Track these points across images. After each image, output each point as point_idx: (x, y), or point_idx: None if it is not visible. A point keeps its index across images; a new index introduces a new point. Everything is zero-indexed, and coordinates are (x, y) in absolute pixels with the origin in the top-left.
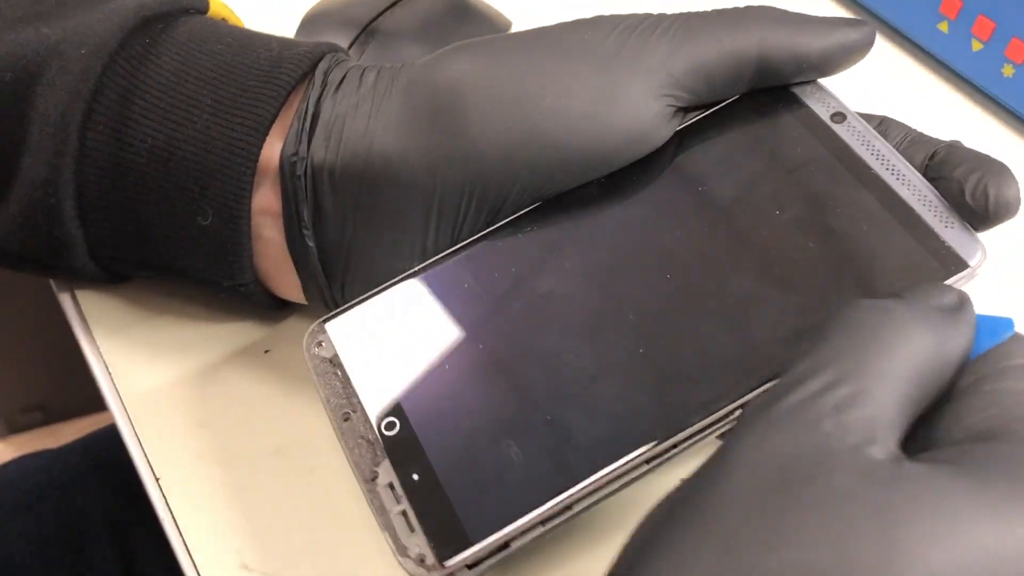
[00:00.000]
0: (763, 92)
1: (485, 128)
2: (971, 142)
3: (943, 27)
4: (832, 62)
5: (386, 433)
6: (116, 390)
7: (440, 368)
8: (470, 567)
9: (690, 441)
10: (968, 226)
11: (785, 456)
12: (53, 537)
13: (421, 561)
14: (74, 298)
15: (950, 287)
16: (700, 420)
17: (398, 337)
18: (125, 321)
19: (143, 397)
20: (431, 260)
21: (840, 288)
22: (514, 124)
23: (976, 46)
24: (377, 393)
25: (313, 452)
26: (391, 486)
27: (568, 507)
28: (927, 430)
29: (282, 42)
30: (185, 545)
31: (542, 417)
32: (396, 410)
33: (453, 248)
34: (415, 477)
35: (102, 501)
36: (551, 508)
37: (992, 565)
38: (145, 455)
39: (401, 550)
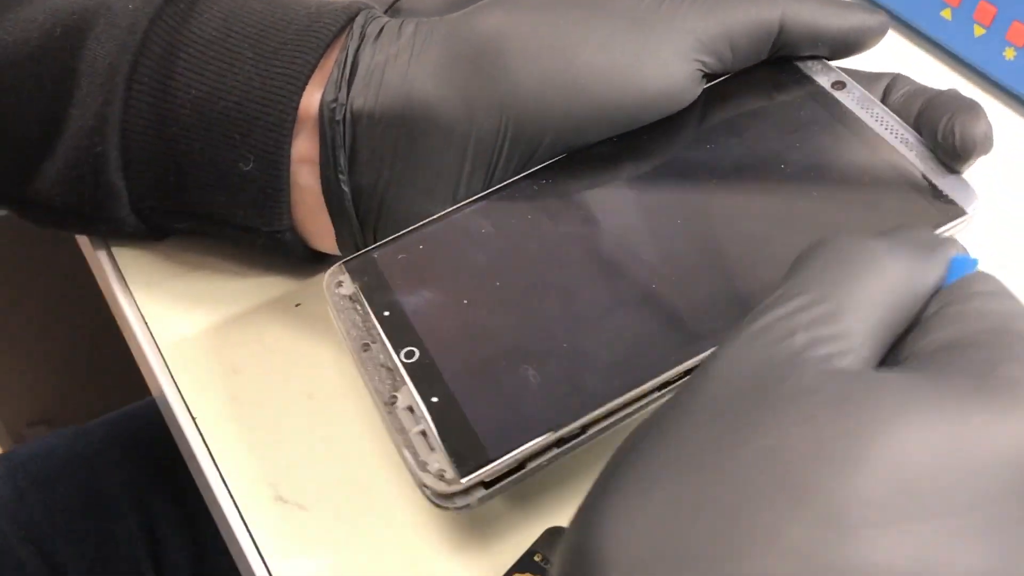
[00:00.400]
0: (771, 64)
1: (524, 75)
2: None
3: (946, 14)
4: (846, 42)
5: (405, 361)
6: (152, 338)
7: (459, 302)
8: (487, 486)
9: None
10: (961, 176)
11: (758, 364)
12: (77, 508)
13: (441, 476)
14: (110, 254)
15: (928, 228)
16: (709, 349)
17: (418, 275)
18: (160, 275)
19: (178, 346)
20: (453, 207)
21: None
22: (552, 73)
23: (978, 31)
24: (396, 325)
25: (343, 397)
26: (410, 408)
27: (584, 429)
28: (896, 354)
29: (319, 2)
30: (223, 479)
31: (559, 345)
32: (415, 339)
33: (479, 195)
34: (434, 400)
35: (125, 474)
36: (568, 429)
37: (952, 450)
38: (182, 397)
39: (421, 466)
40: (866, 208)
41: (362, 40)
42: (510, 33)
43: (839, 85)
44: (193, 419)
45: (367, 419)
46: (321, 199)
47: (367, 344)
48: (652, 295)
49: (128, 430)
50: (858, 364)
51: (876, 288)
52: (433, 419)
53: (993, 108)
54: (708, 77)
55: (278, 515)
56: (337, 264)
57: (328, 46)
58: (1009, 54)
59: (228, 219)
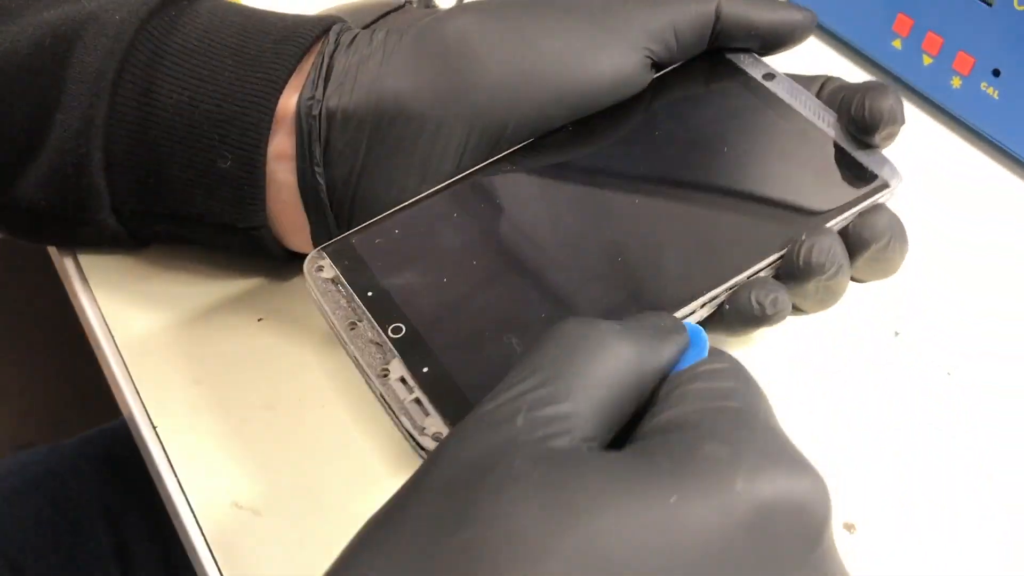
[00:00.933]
0: (709, 59)
1: (489, 65)
2: (925, 150)
3: (896, 44)
4: (776, 35)
5: (393, 336)
6: (117, 348)
7: (439, 280)
8: None
9: None
10: (882, 153)
11: (477, 451)
12: (48, 522)
13: (438, 439)
14: (77, 263)
15: (670, 315)
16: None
17: (396, 257)
18: (126, 287)
19: (142, 356)
20: (425, 193)
21: (781, 204)
22: (515, 62)
23: (927, 60)
24: (380, 304)
25: (302, 408)
26: (403, 380)
27: None
28: (629, 435)
29: (295, 16)
30: (180, 486)
31: (538, 315)
32: (400, 316)
33: (450, 180)
34: (425, 370)
35: (96, 489)
36: None
37: (649, 531)
38: (144, 406)
39: (419, 431)
40: (799, 183)
41: (336, 46)
42: (475, 30)
43: (769, 76)
44: (154, 427)
45: (324, 430)
46: (297, 194)
47: (354, 323)
48: (618, 265)
49: (101, 447)
50: (576, 444)
51: (603, 369)
52: (426, 388)
53: (941, 135)
54: (656, 67)
55: (233, 521)
56: (316, 250)
57: (305, 53)
58: (956, 83)
59: (205, 218)
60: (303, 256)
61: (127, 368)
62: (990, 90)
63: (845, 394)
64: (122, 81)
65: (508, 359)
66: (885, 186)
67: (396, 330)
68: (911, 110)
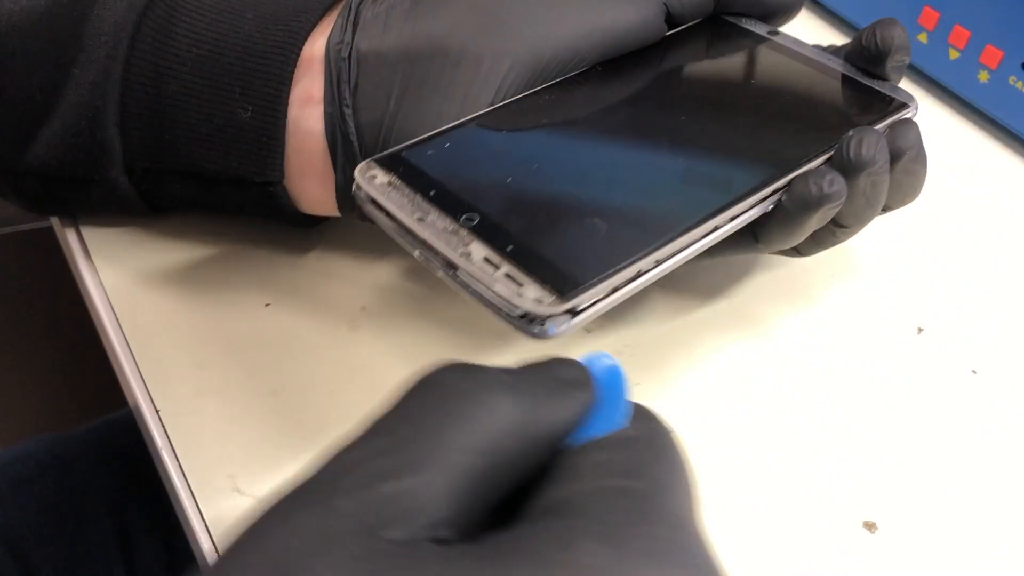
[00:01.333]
0: (715, 20)
1: (526, 7)
2: (951, 146)
3: (922, 37)
4: (772, 2)
5: (468, 223)
6: (121, 331)
7: (502, 180)
8: (573, 315)
9: (737, 217)
10: (893, 84)
11: (283, 543)
12: (52, 510)
13: (540, 302)
14: (84, 247)
15: (578, 364)
16: (746, 182)
17: (452, 163)
18: (133, 270)
19: (146, 339)
20: (469, 116)
21: (819, 120)
22: (553, 5)
23: (953, 54)
24: (447, 200)
25: (307, 395)
26: (487, 260)
27: (657, 262)
28: (525, 506)
29: None
30: (182, 470)
31: (615, 200)
32: (471, 207)
33: (492, 106)
34: (509, 248)
35: (101, 479)
36: (645, 261)
37: None
38: (146, 388)
39: (516, 295)
40: (829, 107)
41: None
42: None
43: (773, 32)
44: (156, 411)
45: (330, 418)
46: (323, 142)
47: (420, 217)
48: (683, 150)
49: (107, 437)
50: (416, 535)
51: (471, 431)
52: (516, 261)
53: (968, 130)
54: (668, 23)
55: (234, 507)
56: (364, 162)
57: (329, 7)
58: (983, 77)
59: (221, 173)
60: (315, 221)
61: (131, 350)
62: (1019, 84)
63: (867, 392)
64: (140, 34)
65: (593, 237)
66: (905, 105)
67: (469, 219)
68: (937, 105)
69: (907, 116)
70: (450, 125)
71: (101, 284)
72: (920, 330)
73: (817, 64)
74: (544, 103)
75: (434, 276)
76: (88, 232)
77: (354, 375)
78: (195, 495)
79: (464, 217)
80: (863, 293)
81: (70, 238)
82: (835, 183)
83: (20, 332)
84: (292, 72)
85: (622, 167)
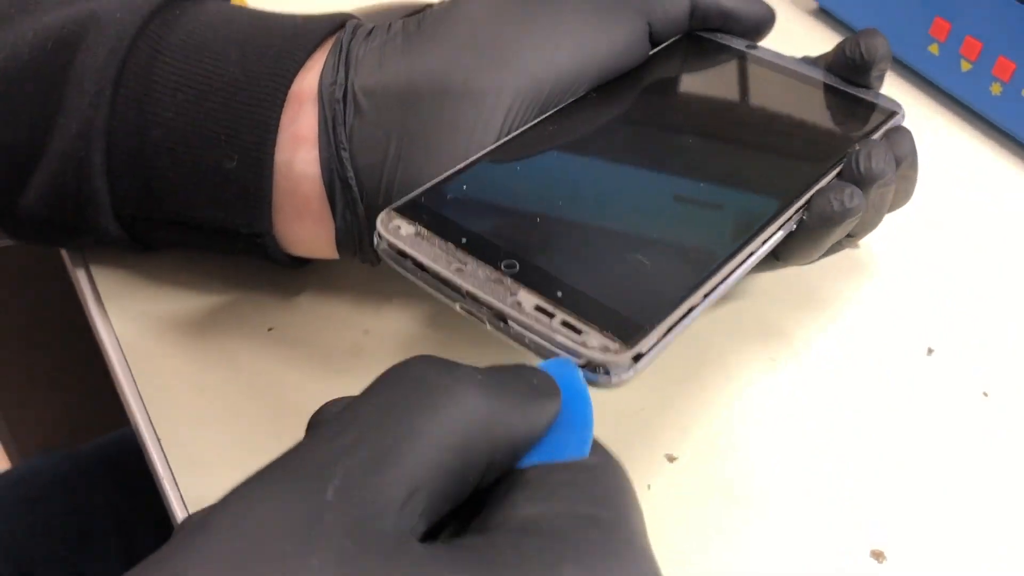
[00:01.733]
0: (686, 40)
1: (519, 34)
2: (962, 159)
3: (933, 49)
4: (742, 18)
5: (509, 271)
6: (123, 355)
7: (531, 220)
8: (636, 359)
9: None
10: (876, 92)
11: (268, 527)
12: (59, 530)
13: (606, 350)
14: (88, 272)
15: (545, 374)
16: (775, 204)
17: (474, 206)
18: (136, 294)
19: (149, 363)
20: (477, 155)
21: (817, 135)
22: (546, 30)
23: (965, 66)
24: (481, 247)
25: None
26: (539, 308)
27: (705, 295)
28: (486, 509)
29: (307, 15)
30: (182, 499)
31: (651, 235)
32: (508, 253)
33: (499, 141)
34: (560, 294)
35: (109, 499)
36: (695, 296)
37: None
38: (147, 413)
39: (582, 345)
40: (822, 119)
41: (353, 36)
42: (496, 3)
43: (752, 46)
44: (158, 438)
45: None
46: (317, 187)
47: (460, 267)
48: (701, 174)
49: (114, 454)
50: (398, 525)
51: (447, 426)
52: (570, 307)
53: (979, 143)
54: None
55: None
56: (384, 212)
57: (317, 45)
58: (995, 89)
59: (208, 222)
60: (306, 263)
61: (132, 374)
62: None
63: (876, 415)
64: (123, 80)
65: (641, 275)
66: (896, 112)
67: (510, 265)
68: (949, 118)
69: (898, 123)
70: (462, 165)
71: (104, 308)
72: (930, 351)
73: (804, 77)
74: (551, 133)
75: (482, 329)
76: (93, 258)
77: None
78: None
79: (504, 264)
80: (872, 313)
81: (75, 264)
82: (855, 197)
83: (28, 344)
84: (278, 118)
85: (646, 197)
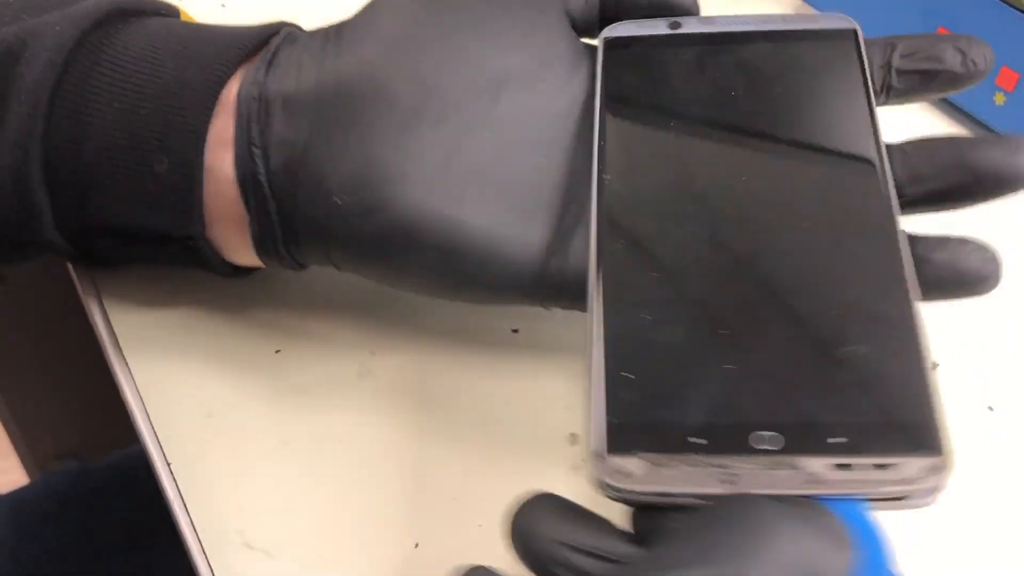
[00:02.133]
0: (614, 43)
1: (440, 32)
2: None
3: None
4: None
5: (777, 446)
6: (133, 380)
7: (717, 369)
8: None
9: None
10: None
11: None
12: (72, 548)
13: (934, 470)
14: (97, 293)
15: (841, 520)
16: None
17: (665, 386)
18: (144, 317)
19: (157, 387)
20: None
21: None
22: (467, 35)
23: None
24: (720, 437)
25: (319, 445)
26: (837, 466)
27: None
28: None
29: (248, 25)
30: (192, 525)
31: (821, 318)
32: (749, 425)
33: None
34: (833, 440)
35: (124, 515)
36: (925, 342)
37: None
38: (156, 437)
39: (909, 495)
40: (814, 86)
41: (283, 42)
42: (413, 4)
43: (677, 24)
44: (168, 463)
45: (340, 468)
46: (234, 188)
47: (729, 479)
48: (798, 219)
49: (128, 471)
50: None
51: (782, 563)
52: (860, 448)
53: None
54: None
55: (244, 562)
56: (593, 459)
57: (250, 52)
58: (999, 99)
59: (144, 230)
60: (249, 272)
61: (141, 398)
62: None
63: None
64: (60, 92)
65: (872, 368)
66: (850, 30)
67: (773, 441)
68: (950, 126)
69: (853, 33)
70: (598, 346)
71: (112, 329)
72: (935, 365)
73: (768, 35)
74: (637, 244)
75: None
76: (101, 278)
77: (365, 422)
78: (206, 552)
79: (763, 447)
80: None
81: (83, 282)
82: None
83: (41, 355)
84: (207, 121)
85: (790, 270)
